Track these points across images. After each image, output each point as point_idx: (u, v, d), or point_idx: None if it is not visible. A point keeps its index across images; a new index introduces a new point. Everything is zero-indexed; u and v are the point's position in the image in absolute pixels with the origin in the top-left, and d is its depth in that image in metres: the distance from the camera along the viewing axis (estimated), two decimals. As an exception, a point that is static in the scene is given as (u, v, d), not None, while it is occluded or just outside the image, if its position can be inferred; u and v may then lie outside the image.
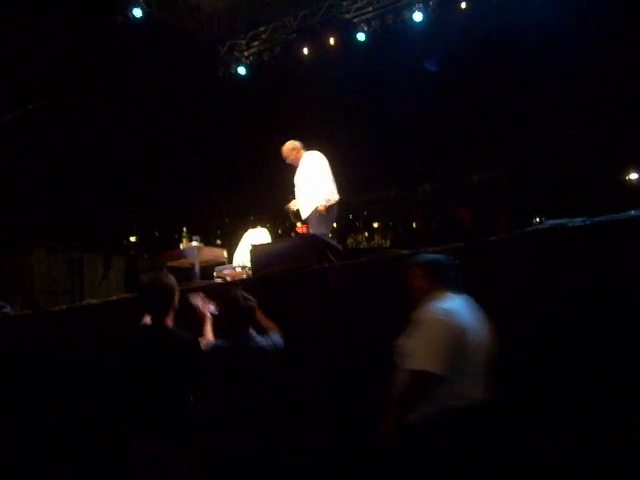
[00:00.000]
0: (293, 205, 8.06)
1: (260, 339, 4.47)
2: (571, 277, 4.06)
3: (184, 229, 7.97)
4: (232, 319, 4.51)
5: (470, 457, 3.45)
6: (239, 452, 4.22)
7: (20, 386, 7.08)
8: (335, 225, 8.23)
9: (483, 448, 3.51)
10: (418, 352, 3.50)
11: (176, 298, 4.27)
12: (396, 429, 3.53)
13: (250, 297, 4.50)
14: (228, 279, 6.43)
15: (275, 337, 4.56)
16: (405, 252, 4.88)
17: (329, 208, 7.71)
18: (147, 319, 4.43)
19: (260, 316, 4.65)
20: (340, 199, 7.98)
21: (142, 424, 4.13)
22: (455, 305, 3.68)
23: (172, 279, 4.33)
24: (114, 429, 5.68)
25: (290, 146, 8.18)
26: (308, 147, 8.27)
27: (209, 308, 4.82)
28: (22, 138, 14.64)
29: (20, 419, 7.04)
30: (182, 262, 7.64)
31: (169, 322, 4.23)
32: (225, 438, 4.27)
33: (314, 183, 7.78)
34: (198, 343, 4.27)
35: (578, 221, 4.22)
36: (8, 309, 8.48)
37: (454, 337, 3.49)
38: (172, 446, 3.99)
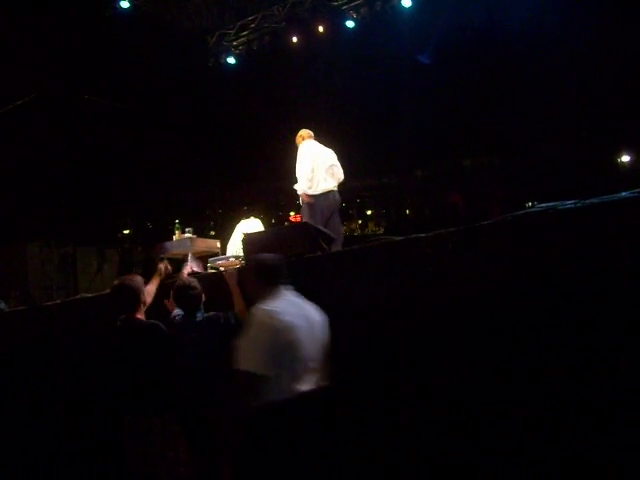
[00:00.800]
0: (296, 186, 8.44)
1: (205, 320, 4.99)
2: (563, 260, 4.06)
3: (177, 221, 7.94)
4: (180, 304, 5.08)
5: (287, 449, 3.70)
6: (205, 417, 4.75)
7: (16, 381, 7.12)
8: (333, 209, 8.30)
9: (301, 440, 3.74)
10: (242, 353, 3.76)
11: (142, 296, 5.06)
12: (233, 423, 3.94)
13: (196, 285, 5.03)
14: (222, 269, 6.41)
15: (227, 316, 4.91)
16: (398, 239, 4.86)
17: (315, 197, 8.10)
18: (123, 315, 5.06)
19: (236, 299, 4.98)
20: (329, 190, 8.28)
21: (129, 400, 4.86)
22: (280, 305, 3.90)
23: (137, 281, 5.12)
24: (107, 410, 5.87)
25: (298, 134, 8.67)
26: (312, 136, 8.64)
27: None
28: (14, 133, 14.60)
29: (17, 411, 7.10)
30: (175, 253, 7.61)
31: (139, 315, 5.01)
32: (194, 405, 4.81)
33: (297, 174, 8.26)
34: (157, 327, 4.91)
35: (569, 203, 4.21)
36: (3, 305, 8.48)
37: (275, 337, 3.72)
38: (154, 416, 4.72)
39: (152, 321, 5.00)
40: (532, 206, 4.80)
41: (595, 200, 4.08)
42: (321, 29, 13.38)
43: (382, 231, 17.34)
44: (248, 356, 3.71)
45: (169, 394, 4.83)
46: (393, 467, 4.48)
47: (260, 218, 8.64)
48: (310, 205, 8.09)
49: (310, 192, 8.15)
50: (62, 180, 14.91)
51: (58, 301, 7.77)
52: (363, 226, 18.79)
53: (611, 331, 3.84)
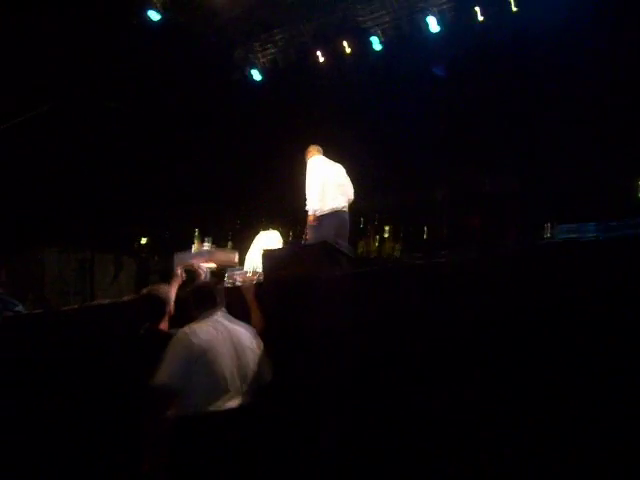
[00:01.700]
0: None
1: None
2: (582, 291, 4.06)
3: (196, 231, 7.97)
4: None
5: (194, 462, 3.96)
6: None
7: (32, 384, 7.19)
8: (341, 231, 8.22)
9: (207, 451, 3.97)
10: (160, 368, 4.05)
11: (167, 307, 5.16)
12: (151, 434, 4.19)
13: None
14: (239, 283, 6.43)
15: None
16: (419, 262, 4.89)
17: (320, 217, 8.11)
18: (147, 323, 5.16)
19: (254, 312, 4.99)
20: (338, 209, 8.25)
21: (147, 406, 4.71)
22: (203, 327, 4.24)
23: (165, 292, 5.26)
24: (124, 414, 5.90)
25: (308, 149, 8.70)
26: (320, 152, 8.46)
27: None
28: (35, 139, 14.73)
29: (32, 413, 7.17)
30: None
31: (163, 325, 5.10)
32: None
33: (307, 191, 8.26)
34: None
35: (590, 231, 4.22)
36: (21, 308, 8.56)
37: (188, 355, 4.06)
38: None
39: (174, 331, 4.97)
40: (552, 228, 4.80)
41: (616, 233, 4.08)
42: (347, 48, 13.44)
43: (399, 250, 17.27)
44: (162, 371, 4.02)
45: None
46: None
47: (279, 230, 8.63)
48: (316, 227, 8.09)
49: (318, 213, 8.14)
50: (81, 187, 15.04)
51: (75, 306, 7.84)
52: (380, 246, 18.71)
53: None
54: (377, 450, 4.65)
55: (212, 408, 4.00)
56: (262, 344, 4.45)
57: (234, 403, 4.09)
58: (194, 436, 3.95)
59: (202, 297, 4.47)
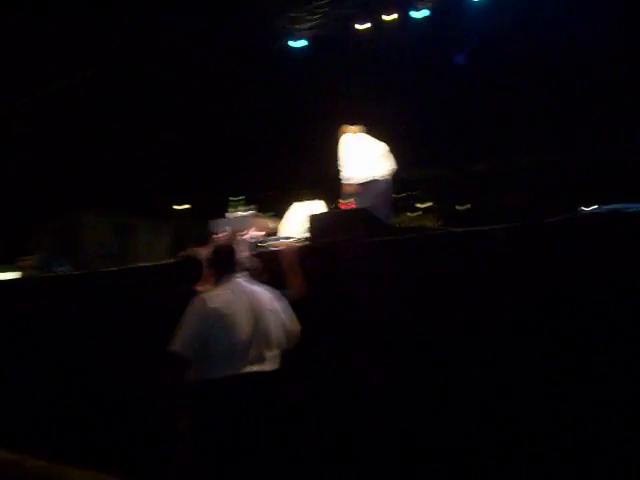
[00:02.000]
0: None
1: None
2: (627, 264, 4.01)
3: (233, 198, 8.01)
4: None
5: (217, 423, 3.98)
6: None
7: (73, 341, 7.35)
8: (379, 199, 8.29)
9: (227, 416, 3.98)
10: (175, 335, 4.06)
11: (204, 270, 5.04)
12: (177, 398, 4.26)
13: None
14: (277, 249, 6.45)
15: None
16: (458, 230, 4.85)
17: (357, 187, 8.22)
18: (184, 285, 5.17)
19: (292, 278, 4.99)
20: (379, 177, 8.31)
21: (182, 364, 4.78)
22: (219, 292, 4.23)
23: (203, 254, 5.12)
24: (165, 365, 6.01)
25: (345, 127, 8.72)
26: (358, 123, 8.75)
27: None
28: (75, 105, 14.85)
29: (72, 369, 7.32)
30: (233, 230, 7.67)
31: (200, 288, 4.93)
32: None
33: (343, 164, 8.43)
34: None
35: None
36: (65, 268, 8.69)
37: (202, 321, 4.06)
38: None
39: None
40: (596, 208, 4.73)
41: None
42: (390, 17, 13.30)
43: (438, 224, 17.16)
44: (178, 338, 4.03)
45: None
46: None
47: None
48: (353, 194, 8.17)
49: (359, 181, 8.25)
50: (120, 152, 15.17)
51: (115, 268, 7.96)
52: (415, 219, 18.62)
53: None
54: (416, 420, 4.65)
55: (232, 372, 3.99)
56: (288, 306, 4.42)
57: (255, 367, 4.07)
58: (215, 399, 3.98)
59: (222, 260, 4.45)
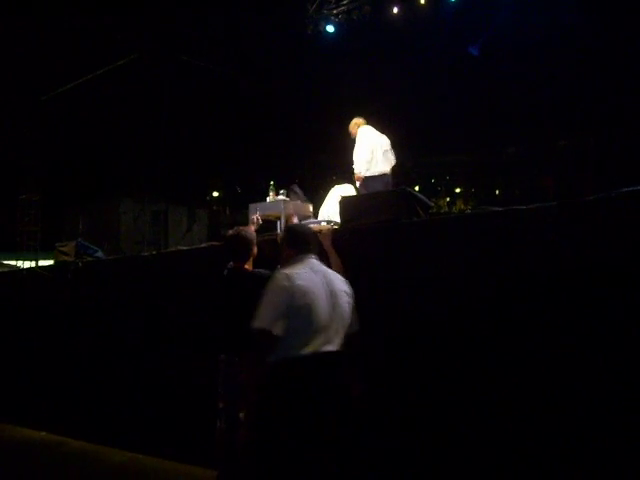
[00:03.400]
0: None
1: None
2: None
3: (272, 182, 8.03)
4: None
5: (295, 403, 3.85)
6: None
7: (116, 322, 7.49)
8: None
9: (309, 394, 3.88)
10: (258, 311, 3.94)
11: (254, 249, 5.27)
12: (254, 378, 4.17)
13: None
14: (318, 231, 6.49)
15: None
16: (498, 209, 4.83)
17: (371, 178, 8.51)
18: (230, 263, 5.27)
19: (333, 258, 5.07)
20: (385, 173, 8.68)
21: (228, 342, 5.04)
22: (301, 270, 4.09)
23: (251, 234, 5.35)
24: (204, 345, 6.14)
25: (352, 123, 9.05)
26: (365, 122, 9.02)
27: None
28: (112, 92, 15.00)
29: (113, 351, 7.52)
30: (269, 215, 7.73)
31: (247, 266, 5.23)
32: None
33: (355, 157, 8.71)
34: (264, 275, 4.83)
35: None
36: (100, 254, 8.83)
37: (290, 298, 3.91)
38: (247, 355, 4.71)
39: (259, 270, 5.10)
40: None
41: None
42: (422, 1, 13.22)
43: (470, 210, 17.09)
44: (262, 314, 3.91)
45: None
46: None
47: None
48: (364, 186, 8.44)
49: (368, 174, 8.55)
50: (157, 139, 15.29)
51: (154, 252, 8.07)
52: (451, 204, 18.61)
53: None
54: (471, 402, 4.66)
55: (309, 351, 3.91)
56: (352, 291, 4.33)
57: (330, 347, 4.00)
58: (291, 379, 3.90)
59: (299, 239, 4.34)
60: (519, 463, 4.33)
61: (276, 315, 3.88)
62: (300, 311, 3.90)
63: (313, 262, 4.24)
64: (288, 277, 3.99)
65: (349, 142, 9.03)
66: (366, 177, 8.53)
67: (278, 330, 3.84)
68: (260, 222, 6.12)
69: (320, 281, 4.10)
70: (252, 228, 5.81)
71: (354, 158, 8.74)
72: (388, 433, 4.92)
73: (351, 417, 4.11)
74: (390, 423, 4.92)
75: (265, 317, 3.90)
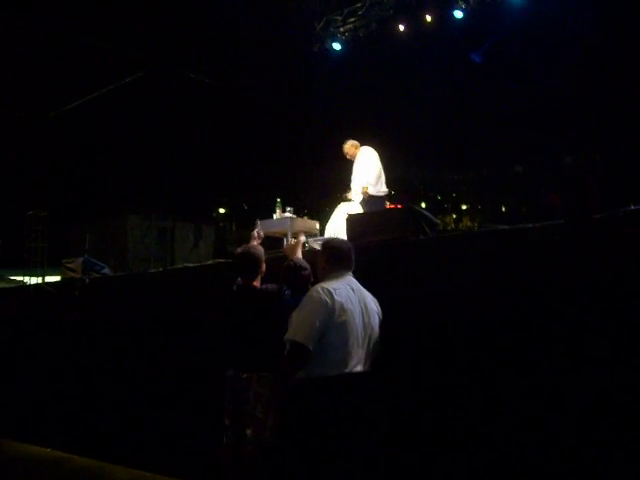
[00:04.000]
0: (349, 195, 8.67)
1: None
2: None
3: (278, 199, 8.06)
4: (289, 284, 5.00)
5: (321, 424, 3.74)
6: None
7: (122, 338, 7.49)
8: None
9: (341, 415, 3.77)
10: (293, 324, 3.85)
11: (262, 266, 5.23)
12: (279, 393, 4.05)
13: (306, 266, 5.01)
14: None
15: None
16: (504, 227, 4.84)
17: (373, 197, 8.36)
18: (239, 280, 5.25)
19: None
20: (387, 194, 8.67)
21: (234, 358, 5.02)
22: (341, 286, 3.99)
23: (260, 251, 5.31)
24: (211, 361, 6.13)
25: (349, 144, 8.94)
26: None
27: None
28: (120, 109, 15.09)
29: (118, 366, 7.50)
30: (275, 232, 7.75)
31: (256, 283, 5.18)
32: None
33: (362, 175, 8.53)
34: (278, 292, 4.97)
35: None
36: (107, 270, 8.86)
37: (328, 315, 3.80)
38: (255, 373, 4.83)
39: (267, 286, 5.10)
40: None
41: None
42: (429, 18, 13.28)
43: (476, 227, 17.09)
44: (299, 328, 3.80)
45: (271, 356, 4.68)
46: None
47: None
48: (367, 204, 8.30)
49: (374, 191, 8.41)
50: (164, 157, 15.33)
51: (160, 269, 8.09)
52: (457, 221, 18.60)
53: None
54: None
55: (342, 371, 3.81)
56: (380, 311, 4.26)
57: (360, 367, 3.92)
58: (321, 400, 3.76)
59: (338, 254, 4.23)
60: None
61: (313, 330, 3.77)
62: (337, 329, 3.82)
63: (351, 279, 4.17)
64: (328, 292, 3.88)
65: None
66: (371, 196, 8.42)
67: (313, 346, 3.74)
68: (262, 236, 6.11)
69: (356, 299, 4.02)
70: (254, 242, 5.82)
71: (356, 177, 8.64)
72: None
73: (372, 439, 4.07)
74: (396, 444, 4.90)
75: (302, 331, 3.79)
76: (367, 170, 8.55)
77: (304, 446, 3.76)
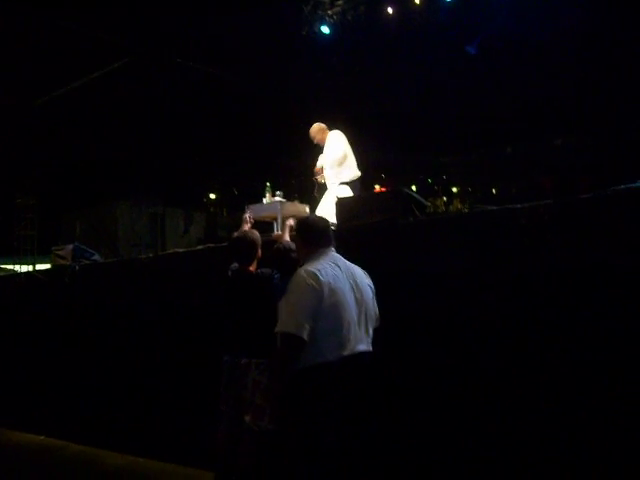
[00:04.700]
0: (320, 178, 8.25)
1: None
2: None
3: (267, 184, 8.04)
4: (279, 266, 5.01)
5: (325, 411, 3.59)
6: None
7: (114, 325, 7.49)
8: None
9: (340, 403, 3.64)
10: (282, 314, 3.65)
11: (259, 251, 5.20)
12: (278, 387, 3.87)
13: (295, 248, 4.84)
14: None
15: None
16: (493, 208, 4.84)
17: (349, 183, 7.92)
18: (234, 264, 5.24)
19: None
20: (360, 176, 8.13)
21: (232, 343, 5.00)
22: (325, 266, 3.76)
23: (257, 236, 5.26)
24: (204, 347, 6.20)
25: (317, 128, 8.46)
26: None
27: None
28: (107, 96, 15.00)
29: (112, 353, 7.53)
30: (265, 216, 7.74)
31: (251, 268, 5.15)
32: None
33: (329, 160, 8.07)
34: (271, 276, 4.97)
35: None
36: (97, 257, 8.83)
37: (315, 298, 3.57)
38: (253, 359, 4.81)
39: (262, 270, 5.07)
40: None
41: None
42: (417, 1, 13.20)
43: (468, 209, 17.08)
44: (289, 318, 3.59)
45: (269, 341, 4.68)
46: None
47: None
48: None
49: (341, 176, 7.98)
50: (153, 142, 15.30)
51: (150, 255, 8.07)
52: (448, 203, 18.61)
53: None
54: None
55: (343, 353, 3.60)
56: (372, 283, 4.07)
57: (362, 346, 3.73)
58: (327, 385, 3.59)
59: (316, 232, 4.00)
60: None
61: (304, 318, 3.53)
62: (329, 311, 3.59)
63: (335, 256, 3.96)
64: (313, 275, 3.64)
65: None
66: (342, 183, 7.96)
67: (306, 334, 3.50)
68: (252, 221, 6.07)
69: (344, 276, 3.80)
70: (246, 227, 5.81)
71: (329, 161, 8.13)
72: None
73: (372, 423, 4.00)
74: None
75: (291, 321, 3.57)
76: (331, 156, 8.11)
77: (305, 435, 3.59)
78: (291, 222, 5.62)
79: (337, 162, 7.98)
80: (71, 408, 8.02)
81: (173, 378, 6.72)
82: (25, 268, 15.54)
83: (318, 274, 3.65)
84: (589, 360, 4.08)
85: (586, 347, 4.10)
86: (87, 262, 8.63)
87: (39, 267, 14.48)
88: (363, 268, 4.15)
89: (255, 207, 7.68)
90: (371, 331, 3.87)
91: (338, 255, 3.98)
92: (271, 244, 5.38)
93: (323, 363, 3.56)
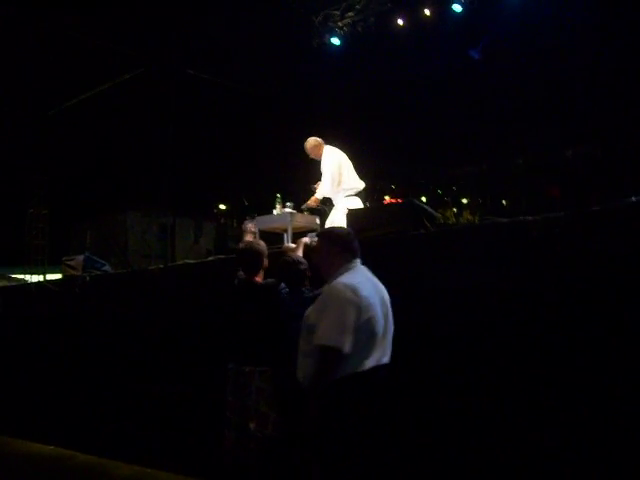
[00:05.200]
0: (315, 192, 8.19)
1: (309, 294, 4.94)
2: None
3: (278, 195, 8.03)
4: (286, 279, 5.05)
5: (361, 422, 3.61)
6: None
7: (123, 335, 7.50)
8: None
9: (373, 411, 3.67)
10: (326, 328, 3.59)
11: (265, 261, 5.24)
12: (315, 399, 3.71)
13: (303, 261, 5.07)
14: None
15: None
16: (503, 220, 4.83)
17: (348, 199, 7.87)
18: (240, 273, 5.30)
19: None
20: (365, 187, 8.14)
21: (237, 351, 5.05)
22: (359, 279, 3.76)
23: (262, 246, 5.32)
24: (211, 357, 6.18)
25: (312, 143, 8.49)
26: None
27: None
28: (119, 106, 15.08)
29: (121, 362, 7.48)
30: (275, 227, 7.75)
31: (258, 279, 5.20)
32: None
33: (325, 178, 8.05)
34: (276, 287, 5.02)
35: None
36: (108, 267, 8.87)
37: (355, 312, 3.57)
38: (257, 367, 4.88)
39: (268, 281, 5.14)
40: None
41: None
42: (427, 12, 13.24)
43: (478, 220, 17.02)
44: (330, 331, 3.57)
45: (272, 350, 4.89)
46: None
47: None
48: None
49: (340, 193, 7.97)
50: (165, 153, 15.33)
51: (161, 265, 8.10)
52: (458, 214, 18.50)
53: None
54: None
55: (371, 365, 3.63)
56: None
57: (385, 359, 3.77)
58: (362, 395, 3.61)
59: (347, 243, 3.93)
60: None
61: (346, 331, 3.54)
62: (365, 325, 3.61)
63: (366, 269, 3.95)
64: (353, 289, 3.63)
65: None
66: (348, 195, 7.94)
67: (348, 348, 3.52)
68: (254, 230, 6.12)
69: (374, 291, 3.81)
70: (249, 237, 5.85)
71: (325, 177, 8.14)
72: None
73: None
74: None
75: (333, 334, 3.56)
76: (327, 173, 8.10)
77: (342, 442, 3.58)
78: (306, 240, 5.63)
79: (333, 178, 7.98)
80: (80, 418, 8.03)
81: (182, 387, 6.72)
82: (36, 278, 15.57)
83: (358, 288, 3.64)
84: (604, 371, 4.06)
85: (602, 360, 4.08)
86: (98, 273, 8.67)
87: (50, 277, 14.53)
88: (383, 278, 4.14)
89: (265, 218, 7.70)
90: (390, 344, 3.88)
91: (366, 267, 3.96)
92: (279, 256, 5.39)
93: (358, 373, 3.59)
